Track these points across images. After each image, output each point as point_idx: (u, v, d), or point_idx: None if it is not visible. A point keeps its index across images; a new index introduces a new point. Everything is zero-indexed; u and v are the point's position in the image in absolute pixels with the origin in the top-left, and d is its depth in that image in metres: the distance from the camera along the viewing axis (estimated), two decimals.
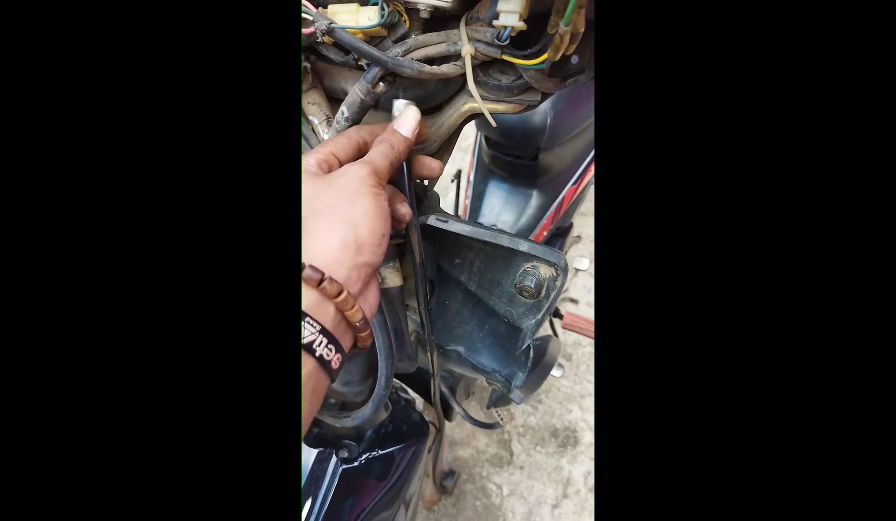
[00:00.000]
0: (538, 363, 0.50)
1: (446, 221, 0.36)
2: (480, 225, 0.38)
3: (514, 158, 0.81)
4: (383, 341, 0.41)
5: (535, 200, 0.86)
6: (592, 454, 1.19)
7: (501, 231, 0.37)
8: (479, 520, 1.10)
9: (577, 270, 1.29)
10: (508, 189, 0.86)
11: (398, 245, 0.38)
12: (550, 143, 0.76)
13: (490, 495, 1.14)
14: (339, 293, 0.26)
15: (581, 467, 1.17)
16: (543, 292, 0.39)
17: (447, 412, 0.68)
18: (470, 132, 0.98)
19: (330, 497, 0.48)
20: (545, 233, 0.92)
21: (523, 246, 0.36)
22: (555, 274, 0.38)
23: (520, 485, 1.15)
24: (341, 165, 0.31)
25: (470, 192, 0.91)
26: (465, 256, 0.43)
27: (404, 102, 0.34)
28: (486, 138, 0.84)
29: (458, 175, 1.02)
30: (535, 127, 0.73)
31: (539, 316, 0.41)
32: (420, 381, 0.62)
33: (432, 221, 0.36)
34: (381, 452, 0.52)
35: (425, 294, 0.40)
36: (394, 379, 0.61)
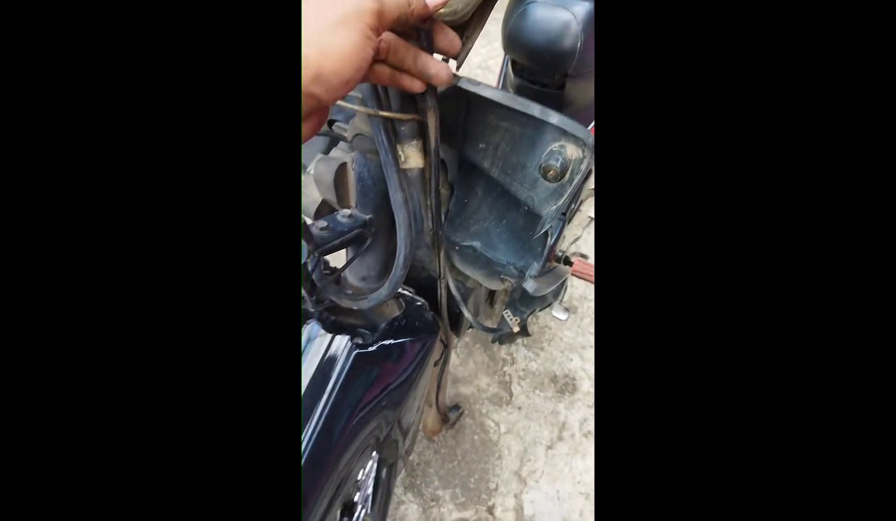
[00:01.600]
0: (552, 270, 0.51)
1: (478, 85, 0.36)
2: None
3: (540, 86, 0.80)
4: (404, 218, 0.41)
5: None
6: (590, 402, 1.22)
7: (531, 101, 0.37)
8: (475, 453, 1.14)
9: (591, 218, 1.29)
10: None
11: (421, 123, 0.38)
12: (578, 70, 0.75)
13: (488, 431, 1.17)
14: None
15: (577, 413, 1.20)
16: (568, 175, 0.40)
17: (456, 326, 0.70)
18: (494, 65, 0.96)
19: (342, 379, 0.50)
20: None
21: (553, 118, 0.36)
22: (581, 155, 0.38)
23: (517, 424, 1.18)
24: None
25: None
26: (489, 141, 0.43)
27: None
28: (513, 64, 0.83)
29: None
30: (566, 50, 0.72)
31: (560, 202, 0.42)
32: (430, 290, 0.63)
33: (464, 83, 0.36)
34: (393, 341, 0.53)
35: (436, 181, 0.41)
36: (407, 289, 0.63)
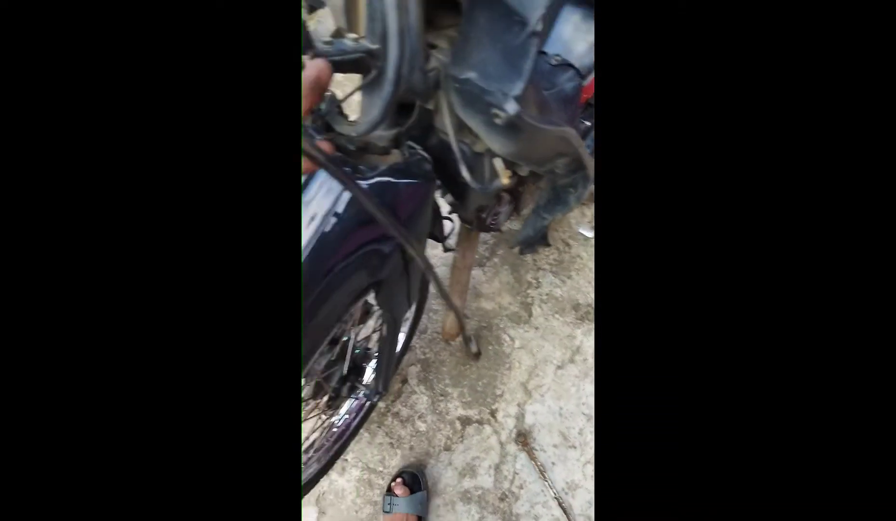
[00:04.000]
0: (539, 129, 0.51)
1: None
2: None
3: None
4: (395, 22, 0.43)
5: None
6: None
7: None
8: (487, 361, 1.19)
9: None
10: (582, 14, 0.82)
11: None
12: None
13: (503, 343, 1.21)
14: None
15: (592, 340, 1.19)
16: None
17: (463, 199, 0.72)
18: None
19: (334, 207, 0.55)
20: None
21: None
22: None
23: (531, 342, 1.20)
24: None
25: None
26: None
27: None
28: None
29: None
30: None
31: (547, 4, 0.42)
32: (439, 161, 0.65)
33: None
34: (389, 179, 0.57)
35: None
36: (415, 145, 0.65)
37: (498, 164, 0.53)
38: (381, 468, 1.10)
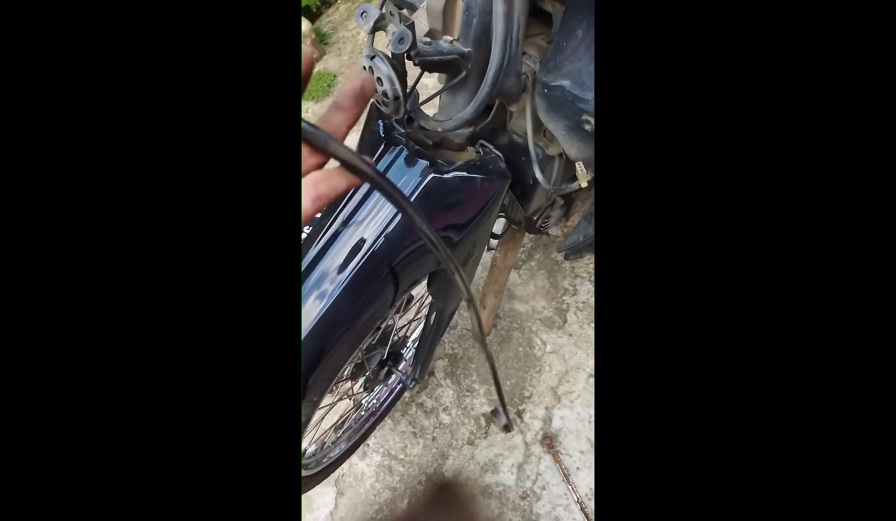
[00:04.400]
0: None
1: None
2: None
3: None
4: (501, 30, 0.45)
5: None
6: None
7: None
8: (517, 362, 1.19)
9: None
10: None
11: None
12: None
13: (534, 346, 1.21)
14: None
15: None
16: None
17: (527, 198, 0.73)
18: None
19: (415, 196, 0.56)
20: None
21: None
22: None
23: (564, 348, 1.20)
24: None
25: None
26: None
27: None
28: None
29: None
30: None
31: None
32: (508, 160, 0.66)
33: None
34: (466, 174, 0.58)
35: None
36: (487, 144, 0.66)
37: (580, 167, 0.54)
38: (402, 456, 1.12)
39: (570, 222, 1.02)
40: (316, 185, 0.24)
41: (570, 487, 1.04)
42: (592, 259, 1.34)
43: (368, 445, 1.13)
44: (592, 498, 1.03)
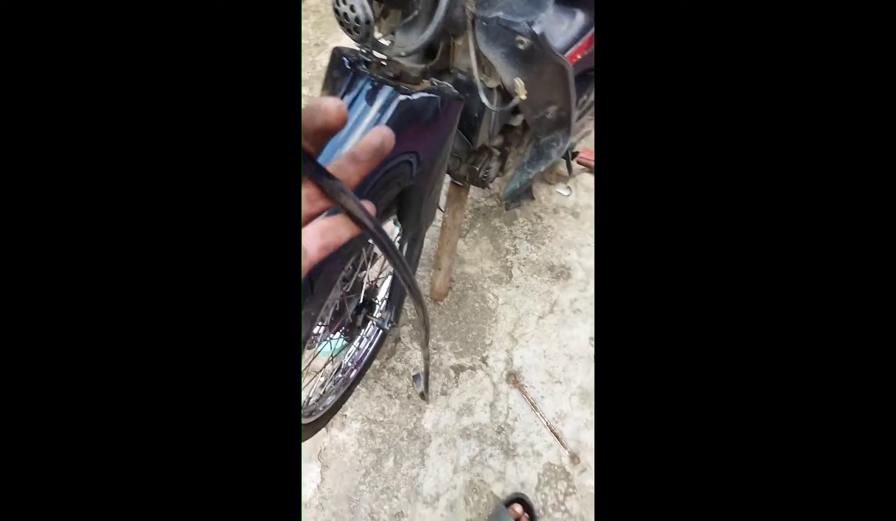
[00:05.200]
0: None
1: None
2: None
3: None
4: None
5: (578, 18, 0.99)
6: (581, 287, 1.36)
7: None
8: (475, 317, 1.29)
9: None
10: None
11: None
12: None
13: (487, 301, 1.32)
14: None
15: (569, 294, 1.34)
16: None
17: (473, 133, 0.85)
18: None
19: (388, 116, 0.66)
20: (579, 56, 1.06)
21: None
22: None
23: (514, 299, 1.33)
24: None
25: None
26: None
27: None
28: None
29: None
30: None
31: None
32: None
33: None
34: (429, 94, 0.69)
35: None
36: (438, 80, 0.78)
37: (518, 82, 0.67)
38: (381, 418, 1.15)
39: (507, 175, 1.16)
40: (323, 234, 0.24)
41: (538, 414, 1.14)
42: (524, 222, 1.49)
43: (346, 415, 1.16)
44: (559, 421, 1.14)
